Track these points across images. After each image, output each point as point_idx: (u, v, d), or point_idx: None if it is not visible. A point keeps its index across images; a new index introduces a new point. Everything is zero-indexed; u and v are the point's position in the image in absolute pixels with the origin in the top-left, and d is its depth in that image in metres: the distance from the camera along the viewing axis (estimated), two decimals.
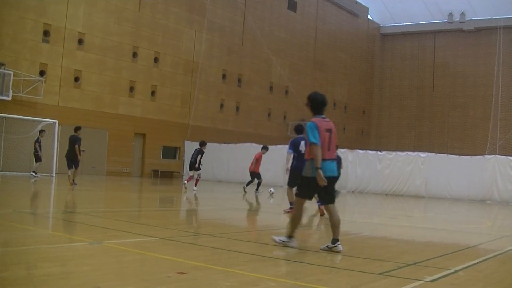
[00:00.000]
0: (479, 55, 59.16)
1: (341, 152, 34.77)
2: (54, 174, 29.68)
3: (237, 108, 47.22)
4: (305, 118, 51.68)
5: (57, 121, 30.78)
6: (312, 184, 8.95)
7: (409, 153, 34.26)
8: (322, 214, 15.04)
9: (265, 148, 26.26)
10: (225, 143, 39.91)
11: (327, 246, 9.02)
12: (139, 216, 14.21)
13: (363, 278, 7.11)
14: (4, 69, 31.16)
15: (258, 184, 25.88)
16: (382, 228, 14.44)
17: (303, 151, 14.39)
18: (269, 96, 50.35)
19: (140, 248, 8.43)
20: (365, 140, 62.19)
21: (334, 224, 9.10)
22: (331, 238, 9.02)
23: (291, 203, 15.39)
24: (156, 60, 40.34)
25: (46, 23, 33.77)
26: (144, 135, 39.12)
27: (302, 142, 14.95)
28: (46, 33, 33.90)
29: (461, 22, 59.26)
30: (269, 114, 50.00)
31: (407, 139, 61.27)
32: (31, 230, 10.13)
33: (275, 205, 21.10)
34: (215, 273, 6.83)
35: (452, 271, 7.82)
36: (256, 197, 23.69)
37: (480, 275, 7.95)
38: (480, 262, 9.05)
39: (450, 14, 59.66)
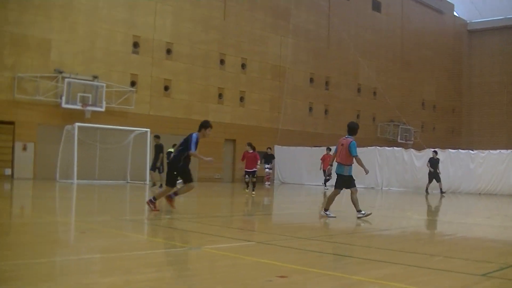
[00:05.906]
0: None
1: (432, 151, 34.29)
2: (148, 182, 30.14)
3: (326, 111, 47.07)
4: (393, 119, 51.16)
5: (149, 129, 31.31)
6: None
7: (502, 151, 33.19)
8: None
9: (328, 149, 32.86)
10: (315, 146, 39.68)
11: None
12: (232, 221, 14.32)
13: (465, 280, 6.94)
14: (97, 81, 32.11)
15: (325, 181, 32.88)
16: (478, 228, 14.10)
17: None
18: (357, 98, 49.99)
19: (237, 253, 8.46)
20: (455, 139, 60.85)
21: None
22: None
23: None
24: (243, 66, 40.68)
25: (135, 35, 34.64)
26: (234, 140, 39.40)
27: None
28: (135, 45, 34.75)
29: None
30: (358, 116, 49.53)
31: (499, 137, 59.29)
32: (128, 236, 10.36)
33: (368, 207, 20.79)
34: (315, 276, 6.82)
35: None
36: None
37: None
38: None
39: None
